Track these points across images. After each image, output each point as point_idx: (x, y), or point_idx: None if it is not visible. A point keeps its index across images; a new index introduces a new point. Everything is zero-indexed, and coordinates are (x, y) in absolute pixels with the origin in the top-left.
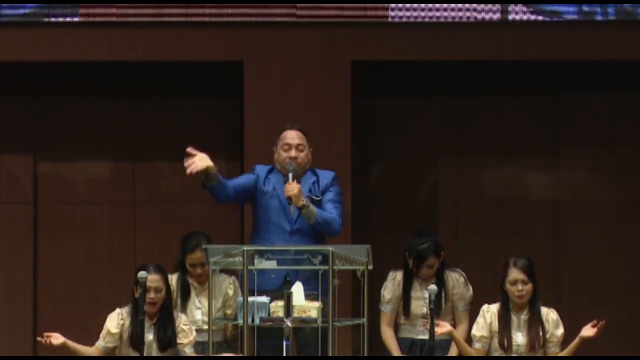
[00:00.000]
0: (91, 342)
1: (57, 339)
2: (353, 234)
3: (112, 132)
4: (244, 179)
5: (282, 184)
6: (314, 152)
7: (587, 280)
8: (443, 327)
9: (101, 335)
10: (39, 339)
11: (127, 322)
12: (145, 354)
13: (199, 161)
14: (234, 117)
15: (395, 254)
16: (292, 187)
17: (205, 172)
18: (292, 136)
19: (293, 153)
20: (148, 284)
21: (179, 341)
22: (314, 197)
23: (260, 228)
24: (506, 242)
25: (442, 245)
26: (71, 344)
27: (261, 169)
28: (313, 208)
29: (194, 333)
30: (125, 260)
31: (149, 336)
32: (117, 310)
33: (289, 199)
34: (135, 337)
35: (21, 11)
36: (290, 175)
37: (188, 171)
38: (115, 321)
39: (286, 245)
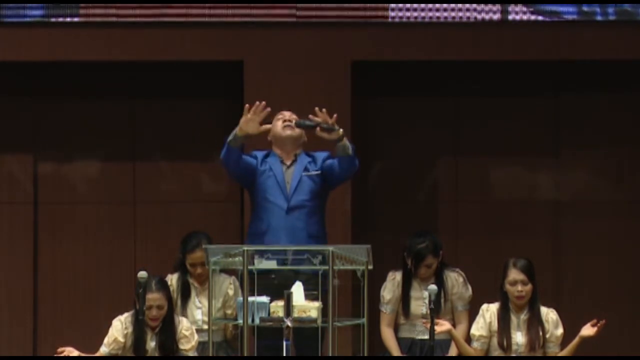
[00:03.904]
0: (90, 342)
1: (72, 352)
2: (353, 234)
3: (112, 132)
4: (249, 159)
5: (279, 165)
6: (315, 152)
7: (587, 280)
8: (442, 326)
9: (106, 342)
10: (56, 355)
11: (130, 330)
12: None
13: (245, 124)
14: (234, 117)
15: (395, 254)
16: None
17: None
18: (286, 112)
19: (287, 117)
20: (150, 302)
21: (181, 347)
22: (311, 173)
23: (258, 209)
24: (506, 242)
25: (441, 245)
26: (84, 355)
27: (259, 153)
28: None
29: (196, 337)
30: (125, 260)
31: (152, 344)
32: (119, 318)
33: (327, 130)
34: (139, 344)
35: (27, 12)
36: (306, 122)
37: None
38: (120, 330)
39: (286, 245)
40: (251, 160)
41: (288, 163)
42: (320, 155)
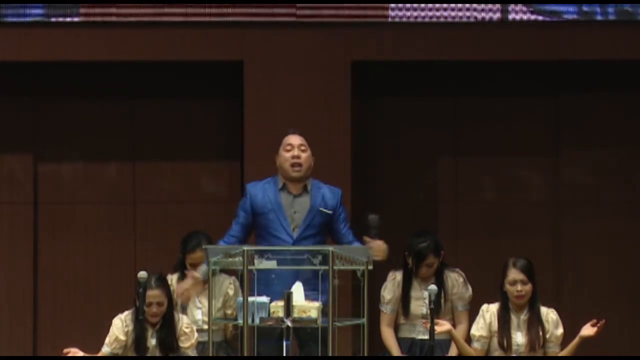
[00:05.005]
0: (91, 341)
1: (77, 353)
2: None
3: (112, 132)
4: (242, 218)
5: (278, 196)
6: (315, 153)
7: (587, 280)
8: (442, 326)
9: (107, 342)
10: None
11: (131, 328)
12: None
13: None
14: (234, 117)
15: (395, 254)
16: (379, 248)
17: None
18: (294, 138)
19: (296, 152)
20: (150, 299)
21: (181, 344)
22: (326, 211)
23: (262, 242)
24: (506, 242)
25: (442, 245)
26: (88, 356)
27: (253, 186)
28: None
29: (196, 335)
30: (125, 260)
31: (152, 341)
32: (120, 316)
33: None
34: (140, 342)
35: (27, 12)
36: (373, 231)
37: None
38: (121, 328)
39: (286, 246)
40: (245, 218)
41: (295, 193)
42: (334, 194)
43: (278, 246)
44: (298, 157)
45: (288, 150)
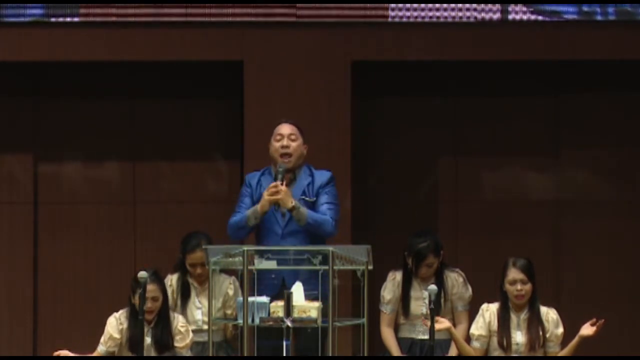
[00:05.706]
0: (91, 342)
1: (67, 354)
2: (353, 234)
3: (112, 132)
4: (247, 201)
5: None
6: (315, 152)
7: (587, 280)
8: (442, 324)
9: (102, 340)
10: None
11: (125, 326)
12: None
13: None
14: (233, 117)
15: (395, 254)
16: (277, 190)
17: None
18: (284, 127)
19: (285, 142)
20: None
21: (175, 344)
22: (307, 199)
23: (257, 234)
24: (506, 242)
25: (442, 245)
26: (82, 355)
27: (252, 177)
28: (303, 209)
29: (191, 335)
30: (125, 260)
31: (147, 339)
32: (114, 314)
33: (277, 203)
34: (134, 340)
35: (27, 12)
36: (280, 176)
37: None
38: (115, 326)
39: (287, 246)
40: (249, 202)
41: (285, 182)
42: (320, 178)
43: (277, 246)
44: (287, 146)
45: (278, 140)
